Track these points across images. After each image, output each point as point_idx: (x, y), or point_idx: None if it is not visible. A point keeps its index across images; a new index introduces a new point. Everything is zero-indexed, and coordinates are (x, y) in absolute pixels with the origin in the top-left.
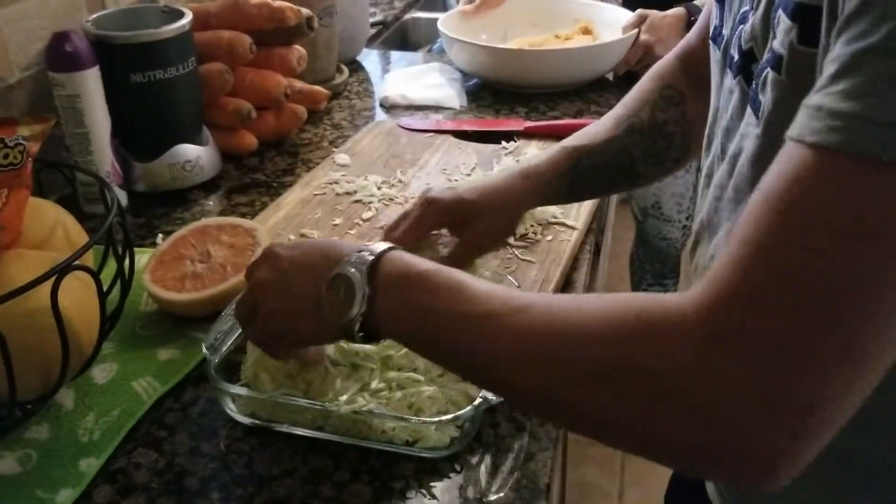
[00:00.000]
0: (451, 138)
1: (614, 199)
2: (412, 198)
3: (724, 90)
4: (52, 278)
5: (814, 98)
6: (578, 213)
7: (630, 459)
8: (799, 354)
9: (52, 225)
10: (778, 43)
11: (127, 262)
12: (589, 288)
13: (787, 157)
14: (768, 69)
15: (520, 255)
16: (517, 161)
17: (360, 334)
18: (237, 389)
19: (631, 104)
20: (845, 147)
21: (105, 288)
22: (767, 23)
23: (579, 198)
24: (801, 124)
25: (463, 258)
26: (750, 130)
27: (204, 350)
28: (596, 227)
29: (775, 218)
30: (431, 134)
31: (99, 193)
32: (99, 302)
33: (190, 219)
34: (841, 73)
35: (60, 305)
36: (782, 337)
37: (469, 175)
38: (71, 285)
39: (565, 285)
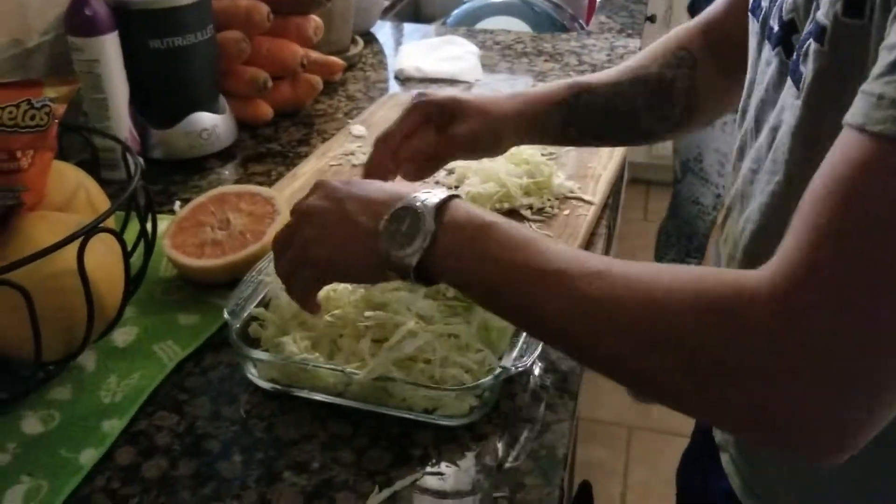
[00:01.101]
0: None
1: (625, 177)
2: None
3: (761, 62)
4: (79, 240)
5: (873, 85)
6: (596, 189)
7: (636, 438)
8: (871, 338)
9: (74, 188)
10: (822, 14)
11: (149, 225)
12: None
13: (851, 145)
14: (811, 40)
15: (537, 230)
16: None
17: (415, 272)
18: (259, 354)
19: (642, 58)
20: None
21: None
22: None
23: (572, 139)
24: (862, 112)
25: (435, 157)
26: (790, 102)
27: (225, 315)
28: (612, 202)
29: (845, 205)
30: None
31: (118, 159)
32: (124, 264)
33: (206, 187)
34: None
35: (86, 267)
36: (853, 322)
37: None
38: (95, 248)
39: None
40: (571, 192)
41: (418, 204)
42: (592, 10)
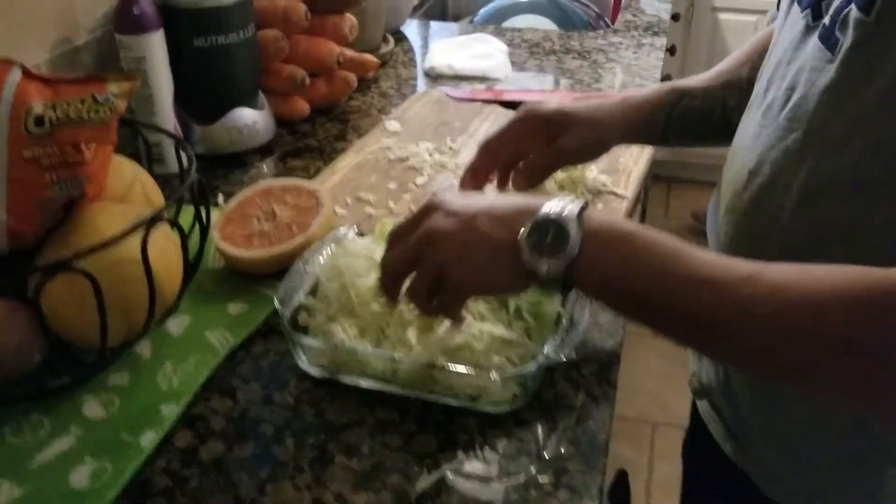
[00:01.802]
0: (499, 108)
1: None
2: (463, 165)
3: (787, 23)
4: (142, 229)
5: None
6: (628, 182)
7: (660, 435)
8: None
9: (131, 181)
10: None
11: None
12: None
13: None
14: (852, 7)
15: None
16: None
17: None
18: (310, 341)
19: (734, 61)
20: None
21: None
22: None
23: (671, 141)
24: None
25: (545, 166)
26: (820, 64)
27: (276, 304)
28: (643, 198)
29: None
30: (479, 103)
31: (164, 154)
32: (183, 253)
33: (248, 181)
34: None
35: (148, 256)
36: None
37: None
38: (156, 238)
39: None
40: (605, 186)
41: (562, 214)
42: (618, 8)
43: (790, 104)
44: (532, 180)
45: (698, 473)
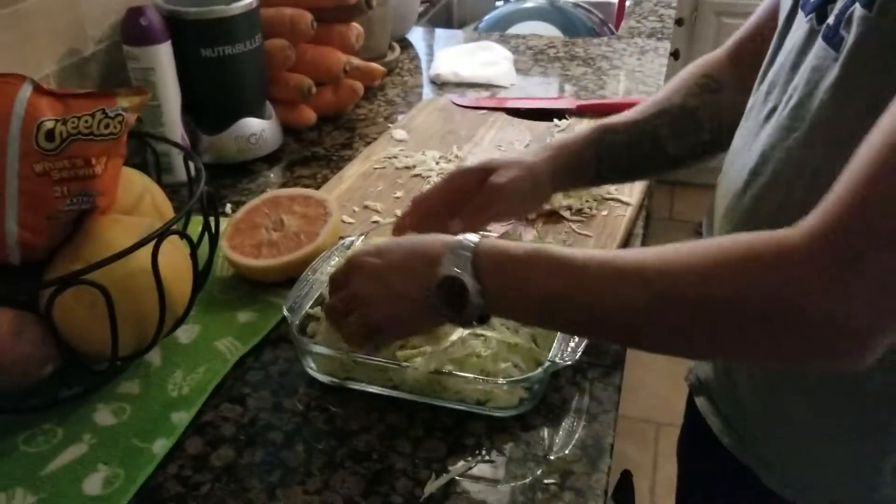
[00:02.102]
0: (504, 115)
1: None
2: None
3: (790, 31)
4: (153, 241)
5: None
6: (632, 189)
7: (664, 434)
8: None
9: (141, 193)
10: None
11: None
12: None
13: None
14: (856, 6)
15: (576, 230)
16: None
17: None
18: (320, 348)
19: (665, 91)
20: None
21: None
22: None
23: (607, 178)
24: None
25: (480, 207)
26: (825, 63)
27: (285, 312)
28: (647, 203)
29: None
30: (484, 111)
31: (172, 164)
32: (192, 264)
33: (256, 190)
34: None
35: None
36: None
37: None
38: (165, 249)
39: None
40: (609, 192)
41: (458, 271)
42: (622, 14)
43: (791, 103)
44: (470, 224)
45: (695, 469)
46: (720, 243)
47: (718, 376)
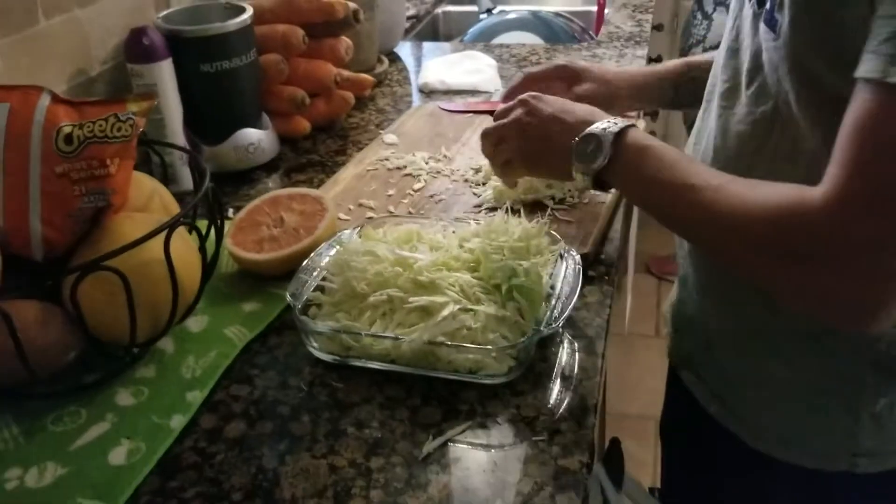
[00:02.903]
0: (489, 118)
1: None
2: (458, 170)
3: (740, 16)
4: (164, 232)
5: (884, 48)
6: None
7: None
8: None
9: (150, 193)
10: None
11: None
12: (622, 247)
13: (873, 94)
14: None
15: (559, 216)
16: None
17: (594, 179)
18: (321, 326)
19: None
20: None
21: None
22: None
23: (682, 104)
24: (880, 69)
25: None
26: (767, 44)
27: (288, 298)
28: None
29: (876, 140)
30: (470, 114)
31: (177, 173)
32: (201, 255)
33: (255, 196)
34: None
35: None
36: (887, 226)
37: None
38: (175, 241)
39: (602, 241)
40: None
41: (602, 132)
42: (601, 21)
43: (756, 83)
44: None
45: (679, 442)
46: (777, 189)
47: (700, 351)
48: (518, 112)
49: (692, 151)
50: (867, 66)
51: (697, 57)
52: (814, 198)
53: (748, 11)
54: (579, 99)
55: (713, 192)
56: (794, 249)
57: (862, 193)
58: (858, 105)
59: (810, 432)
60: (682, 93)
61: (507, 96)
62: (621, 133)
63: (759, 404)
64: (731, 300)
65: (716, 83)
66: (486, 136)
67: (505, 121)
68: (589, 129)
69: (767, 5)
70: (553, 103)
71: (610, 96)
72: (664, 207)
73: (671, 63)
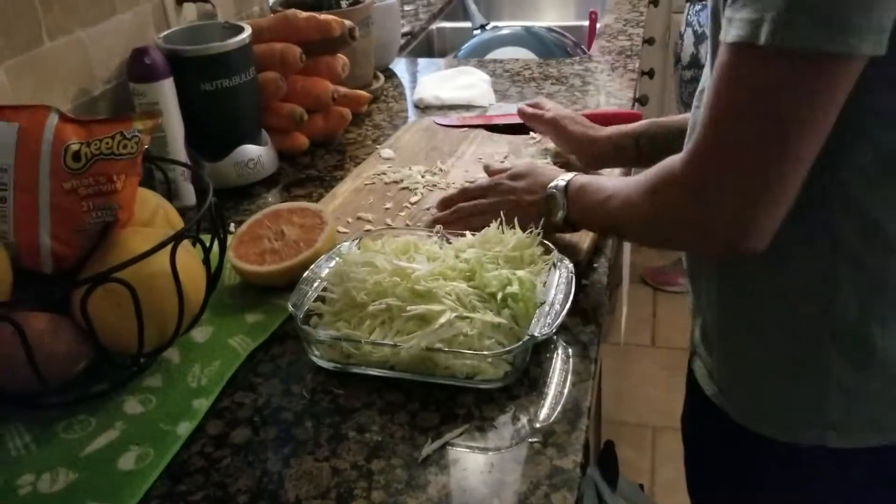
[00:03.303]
0: (484, 132)
1: None
2: (453, 184)
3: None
4: (171, 245)
5: (727, 13)
6: None
7: (660, 438)
8: (743, 177)
9: (155, 208)
10: None
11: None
12: (615, 257)
13: (720, 54)
14: (708, 10)
15: (545, 241)
16: (546, 149)
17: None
18: (322, 334)
19: None
20: (740, 39)
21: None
22: None
23: (642, 163)
24: (724, 31)
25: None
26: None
27: (290, 308)
28: None
29: (712, 99)
30: (465, 129)
31: (179, 189)
32: (205, 267)
33: (256, 210)
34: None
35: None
36: (731, 167)
37: (503, 162)
38: (181, 253)
39: (594, 250)
40: None
41: (555, 191)
42: (593, 36)
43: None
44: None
45: (695, 435)
46: (649, 172)
47: (697, 340)
48: (496, 180)
49: None
50: (721, 30)
51: (660, 119)
52: (677, 162)
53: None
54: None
55: (618, 195)
56: (668, 213)
57: (710, 154)
58: (715, 66)
59: (782, 405)
60: (644, 152)
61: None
62: (568, 184)
63: (740, 380)
64: (708, 281)
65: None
66: (466, 191)
67: (482, 201)
68: (547, 188)
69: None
70: (519, 175)
71: (594, 151)
72: (606, 225)
73: (637, 124)
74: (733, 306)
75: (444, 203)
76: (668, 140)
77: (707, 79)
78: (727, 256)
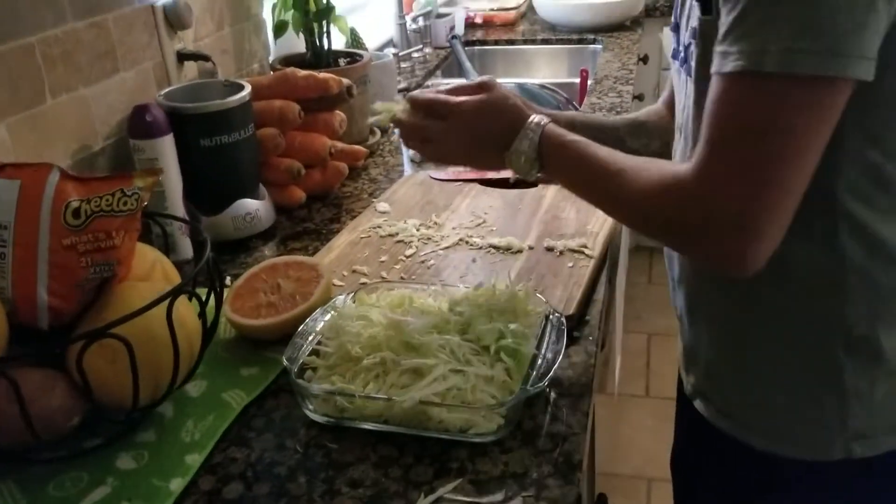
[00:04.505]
0: (478, 186)
1: (626, 244)
2: (447, 236)
3: (680, 86)
4: (167, 300)
5: (719, 48)
6: (595, 244)
7: (655, 490)
8: (747, 193)
9: (152, 263)
10: (692, 21)
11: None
12: (607, 311)
13: (714, 85)
14: (692, 41)
15: (546, 281)
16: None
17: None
18: (316, 388)
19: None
20: (742, 69)
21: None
22: (688, 14)
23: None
24: (718, 63)
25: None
26: (688, 87)
27: (284, 361)
28: (610, 254)
29: (716, 123)
30: (460, 183)
31: (176, 243)
32: (201, 321)
33: (252, 263)
34: (729, 31)
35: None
36: (735, 186)
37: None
38: (176, 309)
39: (586, 303)
40: (570, 248)
41: (527, 146)
42: (584, 92)
43: (682, 125)
44: None
45: (689, 470)
46: (661, 169)
47: (701, 380)
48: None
49: None
50: (712, 66)
51: (587, 116)
52: (686, 174)
53: (684, 77)
54: None
55: (616, 175)
56: (672, 219)
57: (718, 171)
58: (710, 94)
59: (803, 424)
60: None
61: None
62: (542, 136)
63: (756, 405)
64: (712, 316)
65: (678, 147)
66: (417, 100)
67: (440, 127)
68: (514, 144)
69: (683, 55)
70: (486, 112)
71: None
72: (587, 189)
73: (567, 113)
74: (742, 332)
75: (412, 103)
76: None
77: (684, 93)
78: (725, 271)
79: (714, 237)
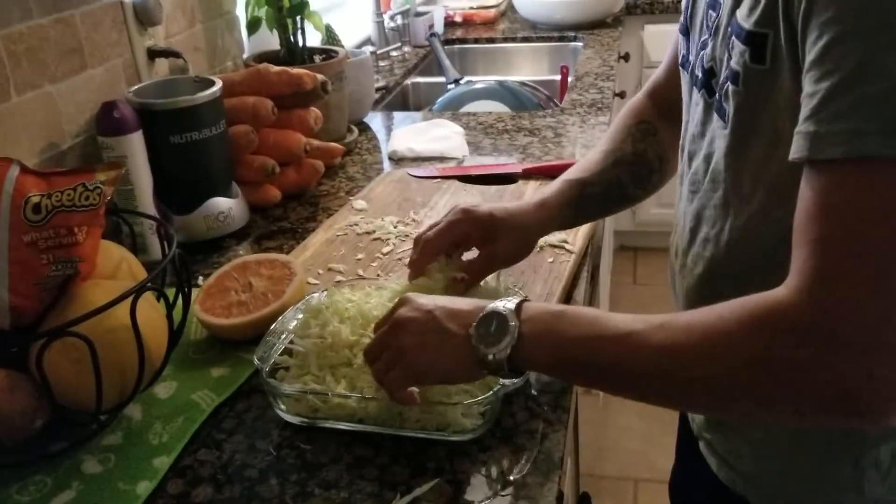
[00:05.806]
0: (457, 183)
1: (610, 245)
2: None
3: (692, 104)
4: (131, 297)
5: (807, 126)
6: (575, 238)
7: (642, 490)
8: (882, 313)
9: (118, 261)
10: (734, 62)
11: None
12: (589, 304)
13: (810, 175)
14: (728, 83)
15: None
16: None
17: (507, 365)
18: (289, 388)
19: (614, 139)
20: (854, 154)
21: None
22: (725, 47)
23: (580, 223)
24: (807, 147)
25: (480, 272)
26: (719, 132)
27: (255, 361)
28: (591, 250)
29: (825, 222)
30: (438, 180)
31: (146, 243)
32: (168, 320)
33: (226, 263)
34: (822, 104)
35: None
36: (864, 312)
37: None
38: (142, 306)
39: (567, 300)
40: (551, 244)
41: (501, 308)
42: (565, 89)
43: (711, 168)
44: (469, 282)
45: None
46: (735, 305)
47: (710, 424)
48: (400, 312)
49: (674, 233)
50: (794, 147)
51: (585, 171)
52: (784, 297)
53: (699, 99)
54: (500, 261)
55: (660, 329)
56: (782, 357)
57: (833, 278)
58: (805, 190)
59: (817, 489)
60: (580, 215)
61: (411, 272)
62: (521, 305)
63: (764, 465)
64: None
65: (684, 169)
66: (366, 354)
67: (384, 328)
68: (486, 308)
69: (717, 95)
70: (432, 298)
71: (527, 248)
72: (603, 366)
73: (563, 186)
74: None
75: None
76: (607, 198)
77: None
78: (867, 424)
79: (837, 368)
